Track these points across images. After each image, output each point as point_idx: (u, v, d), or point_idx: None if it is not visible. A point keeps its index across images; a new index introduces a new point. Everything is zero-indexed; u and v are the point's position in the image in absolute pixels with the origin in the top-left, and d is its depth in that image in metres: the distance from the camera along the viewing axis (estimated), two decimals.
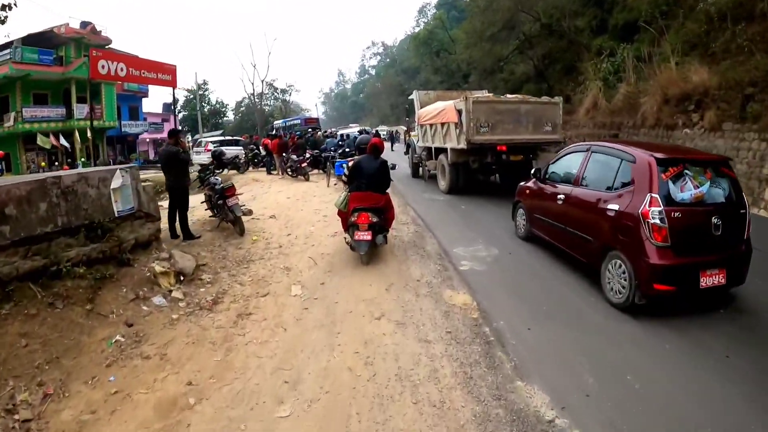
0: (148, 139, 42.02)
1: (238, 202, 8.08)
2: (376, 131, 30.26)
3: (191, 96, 50.46)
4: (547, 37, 23.47)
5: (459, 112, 10.59)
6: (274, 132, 28.56)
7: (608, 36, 19.03)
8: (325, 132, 30.23)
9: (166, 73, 18.09)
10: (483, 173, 12.29)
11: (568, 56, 22.02)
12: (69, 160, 28.60)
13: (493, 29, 25.40)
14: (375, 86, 77.96)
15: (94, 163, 30.12)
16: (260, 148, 20.79)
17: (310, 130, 28.93)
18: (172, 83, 18.68)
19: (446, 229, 8.54)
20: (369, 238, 6.30)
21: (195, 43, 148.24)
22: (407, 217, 9.60)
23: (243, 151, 22.87)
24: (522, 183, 7.77)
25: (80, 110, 29.06)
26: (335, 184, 14.11)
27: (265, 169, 19.69)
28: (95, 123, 29.46)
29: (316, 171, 18.21)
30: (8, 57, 25.87)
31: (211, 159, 12.87)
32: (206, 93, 53.62)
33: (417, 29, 50.50)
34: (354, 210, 6.46)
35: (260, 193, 14.61)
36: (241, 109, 59.64)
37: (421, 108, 13.90)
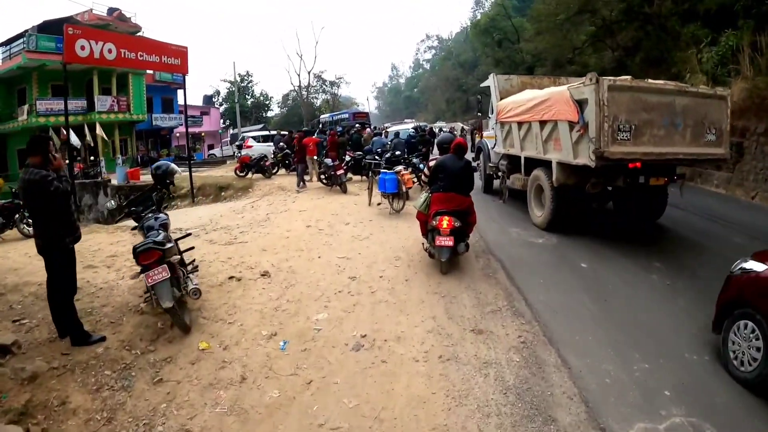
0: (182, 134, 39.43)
1: (164, 277, 4.10)
2: (431, 128, 26.27)
3: (233, 88, 48.13)
4: (629, 23, 20.11)
5: (579, 104, 6.48)
6: (310, 128, 24.82)
7: (700, 23, 15.51)
8: (374, 129, 26.51)
9: (172, 56, 14.59)
10: (599, 201, 8.16)
11: (651, 45, 18.61)
12: (93, 157, 26.23)
13: (568, 12, 22.02)
14: (429, 80, 75.01)
15: (122, 160, 28.03)
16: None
17: (357, 125, 25.38)
18: (182, 68, 15.15)
19: (577, 333, 4.44)
20: (451, 244, 5.83)
21: (239, 33, 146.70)
22: (492, 284, 5.67)
23: (273, 149, 19.47)
24: (742, 266, 3.94)
25: (102, 102, 26.71)
26: (379, 204, 10.30)
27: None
28: (121, 116, 27.31)
29: (358, 178, 14.64)
30: (23, 46, 23.48)
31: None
32: (249, 85, 51.13)
33: (474, 20, 45.69)
34: (436, 213, 6.01)
35: (275, 211, 11.00)
36: (288, 102, 56.63)
37: (500, 99, 9.80)
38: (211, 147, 42.13)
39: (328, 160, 13.81)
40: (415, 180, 11.38)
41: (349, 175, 14.07)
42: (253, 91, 51.63)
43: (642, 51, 19.42)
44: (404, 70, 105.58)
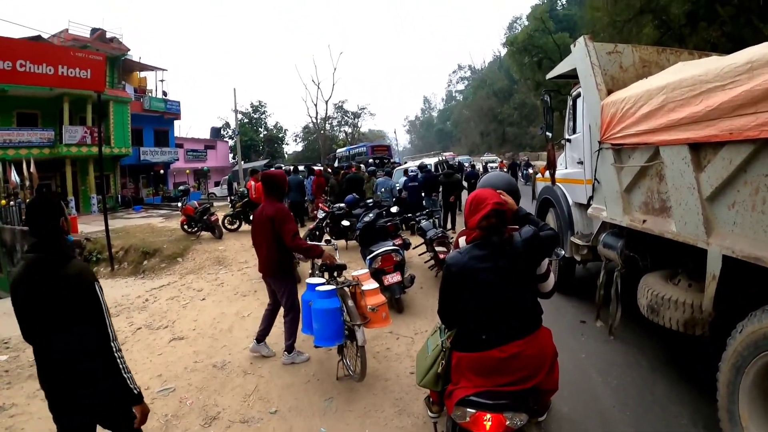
0: (188, 170, 35.15)
1: None
2: (459, 163, 20.66)
3: (245, 119, 44.09)
4: (704, 23, 16.69)
5: None
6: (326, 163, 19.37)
7: None
8: (389, 163, 21.21)
9: (77, 67, 9.74)
10: None
11: (732, 49, 13.27)
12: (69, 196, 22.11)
13: (629, 13, 19.15)
14: (462, 112, 71.06)
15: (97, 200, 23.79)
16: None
17: (373, 161, 20.21)
18: (95, 83, 10.27)
19: None
20: None
21: (252, 62, 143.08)
22: None
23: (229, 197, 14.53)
24: None
25: (72, 134, 22.47)
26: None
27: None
28: (95, 150, 22.87)
29: (342, 243, 9.28)
30: None
31: None
32: (262, 117, 46.90)
33: (510, 37, 40.77)
34: (463, 401, 2.21)
35: (166, 317, 6.45)
36: (308, 135, 51.90)
37: (607, 93, 4.25)
38: (217, 184, 37.84)
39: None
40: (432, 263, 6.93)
41: (327, 237, 8.58)
42: (266, 123, 47.38)
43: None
44: (437, 103, 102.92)
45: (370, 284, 4.22)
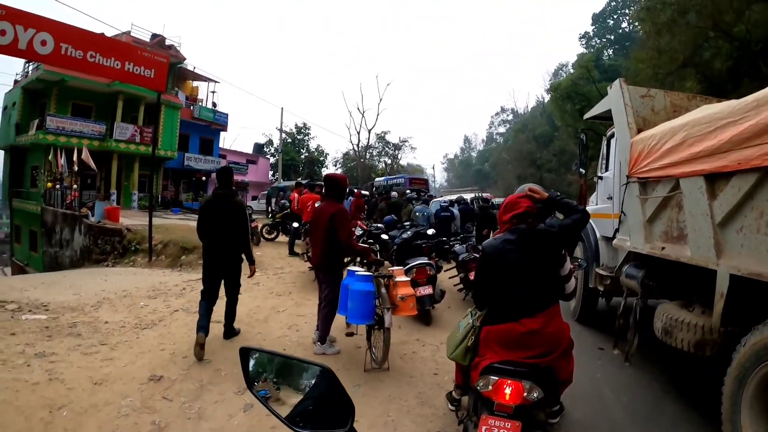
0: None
1: None
2: (491, 201, 20.91)
3: (288, 139, 45.45)
4: (739, 81, 16.63)
5: None
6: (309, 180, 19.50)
7: None
8: (426, 196, 21.50)
9: (142, 65, 10.63)
10: None
11: None
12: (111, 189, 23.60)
13: (671, 66, 19.34)
14: (501, 155, 70.68)
15: (138, 198, 24.95)
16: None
17: (409, 192, 20.50)
18: (156, 83, 11.15)
19: None
20: None
21: (300, 84, 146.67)
22: None
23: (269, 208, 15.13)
24: None
25: (122, 130, 23.90)
26: (350, 335, 5.07)
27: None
28: (143, 149, 24.29)
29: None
30: None
31: None
32: (306, 138, 48.28)
33: (555, 83, 41.09)
34: (487, 369, 2.53)
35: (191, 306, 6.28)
36: (348, 161, 52.93)
37: (636, 131, 4.59)
38: (254, 198, 38.99)
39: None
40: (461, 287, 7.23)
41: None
42: (308, 145, 48.71)
43: None
44: (477, 143, 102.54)
45: (403, 278, 4.72)
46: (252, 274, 5.42)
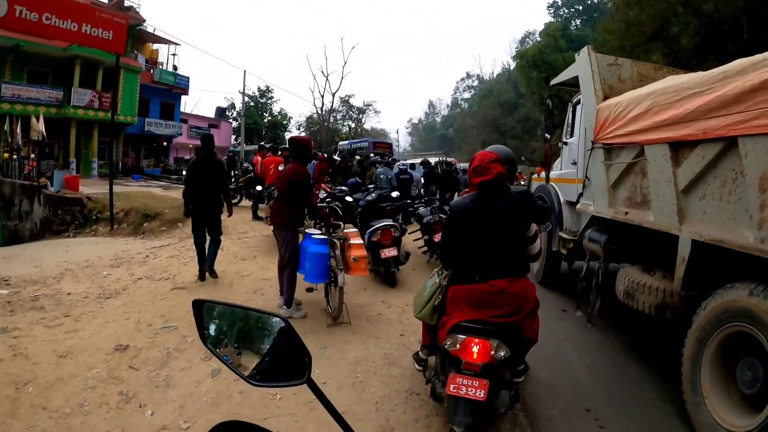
0: (190, 146, 35.28)
1: None
2: (455, 166, 20.98)
3: (251, 103, 44.23)
4: (704, 58, 16.85)
5: None
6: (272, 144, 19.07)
7: None
8: (382, 159, 21.36)
9: (100, 27, 9.98)
10: None
11: None
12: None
13: (638, 39, 19.74)
14: (466, 121, 70.61)
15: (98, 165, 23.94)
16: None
17: (372, 155, 20.33)
18: (115, 45, 10.52)
19: None
20: (483, 396, 2.43)
21: (263, 43, 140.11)
22: None
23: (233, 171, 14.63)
24: None
25: (80, 96, 22.64)
26: (310, 291, 5.18)
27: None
28: (102, 115, 23.18)
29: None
30: None
31: None
32: (268, 102, 47.08)
33: (521, 50, 41.10)
34: (454, 328, 2.60)
35: (158, 272, 6.21)
36: (312, 126, 52.00)
37: (602, 98, 4.65)
38: None
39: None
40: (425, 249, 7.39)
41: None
42: (271, 109, 47.52)
43: None
44: (441, 108, 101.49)
45: (357, 240, 4.94)
46: (230, 214, 6.54)
